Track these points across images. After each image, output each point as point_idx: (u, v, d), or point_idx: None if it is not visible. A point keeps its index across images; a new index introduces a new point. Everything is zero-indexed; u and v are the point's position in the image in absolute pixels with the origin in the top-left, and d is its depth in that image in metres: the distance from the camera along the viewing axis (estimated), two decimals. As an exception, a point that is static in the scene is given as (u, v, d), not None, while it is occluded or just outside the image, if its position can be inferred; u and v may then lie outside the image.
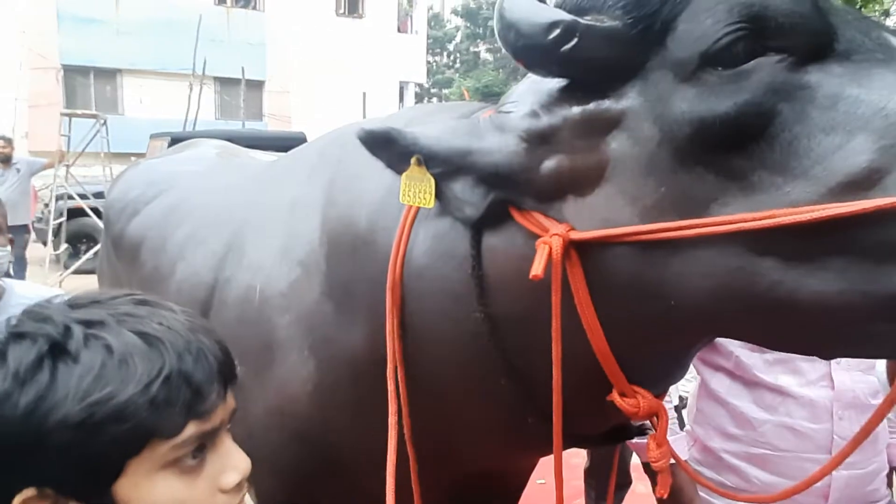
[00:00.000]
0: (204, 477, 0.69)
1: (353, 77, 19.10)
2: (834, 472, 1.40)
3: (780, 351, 1.15)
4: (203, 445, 0.70)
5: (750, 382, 1.48)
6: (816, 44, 0.71)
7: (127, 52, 16.90)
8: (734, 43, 0.70)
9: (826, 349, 0.77)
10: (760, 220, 0.67)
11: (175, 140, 6.89)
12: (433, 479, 1.09)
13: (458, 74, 28.87)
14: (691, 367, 1.63)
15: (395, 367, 0.96)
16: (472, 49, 29.90)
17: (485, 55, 29.79)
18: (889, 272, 0.64)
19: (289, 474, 1.20)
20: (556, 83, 0.83)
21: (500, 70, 26.71)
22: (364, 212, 1.03)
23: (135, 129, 12.89)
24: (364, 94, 16.15)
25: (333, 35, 19.71)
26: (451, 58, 30.82)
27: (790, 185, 0.68)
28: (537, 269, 0.76)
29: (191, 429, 0.67)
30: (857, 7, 5.75)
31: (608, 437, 1.00)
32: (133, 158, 4.02)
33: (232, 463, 0.72)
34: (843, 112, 0.67)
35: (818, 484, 1.40)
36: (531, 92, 0.86)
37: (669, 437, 1.56)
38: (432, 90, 28.55)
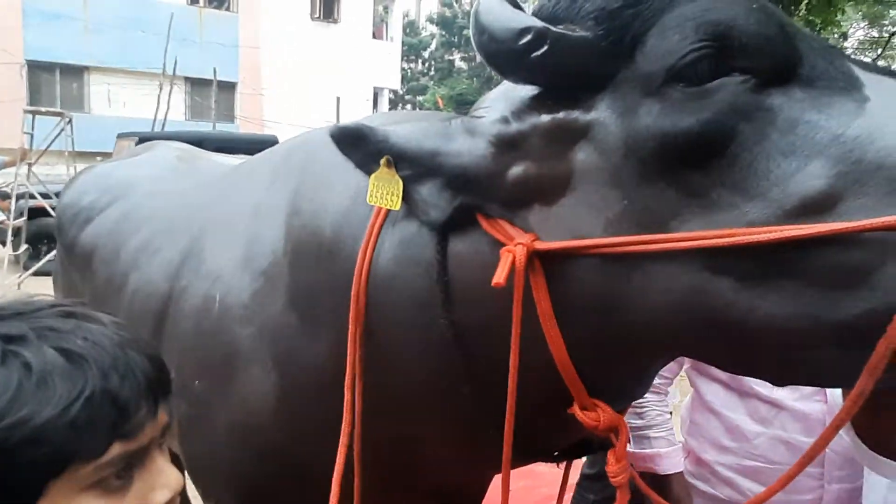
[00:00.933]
0: (131, 497, 0.67)
1: (327, 82, 19.03)
2: (826, 486, 1.43)
3: (735, 374, 1.16)
4: (131, 464, 0.67)
5: (744, 394, 1.49)
6: (781, 67, 0.71)
7: (95, 49, 16.58)
8: (699, 60, 0.70)
9: (778, 375, 0.77)
10: (721, 238, 0.67)
11: (143, 140, 6.77)
12: (393, 492, 1.07)
13: (432, 82, 28.95)
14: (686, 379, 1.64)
15: (354, 377, 0.94)
16: (446, 57, 30.02)
17: (459, 63, 29.95)
18: (840, 298, 0.64)
19: (250, 488, 1.18)
20: (528, 90, 0.83)
21: (475, 79, 26.87)
22: (329, 220, 1.02)
23: (101, 127, 12.66)
24: (338, 98, 16.09)
25: (308, 39, 19.64)
26: (426, 65, 30.89)
27: (748, 205, 0.68)
28: (499, 276, 0.76)
29: (115, 449, 0.65)
30: (816, 30, 5.91)
31: (570, 452, 1.00)
32: (99, 158, 3.93)
33: (162, 481, 0.71)
34: (803, 136, 0.68)
35: (809, 497, 1.43)
36: (504, 98, 0.86)
37: (668, 448, 1.56)
38: (406, 97, 28.58)
